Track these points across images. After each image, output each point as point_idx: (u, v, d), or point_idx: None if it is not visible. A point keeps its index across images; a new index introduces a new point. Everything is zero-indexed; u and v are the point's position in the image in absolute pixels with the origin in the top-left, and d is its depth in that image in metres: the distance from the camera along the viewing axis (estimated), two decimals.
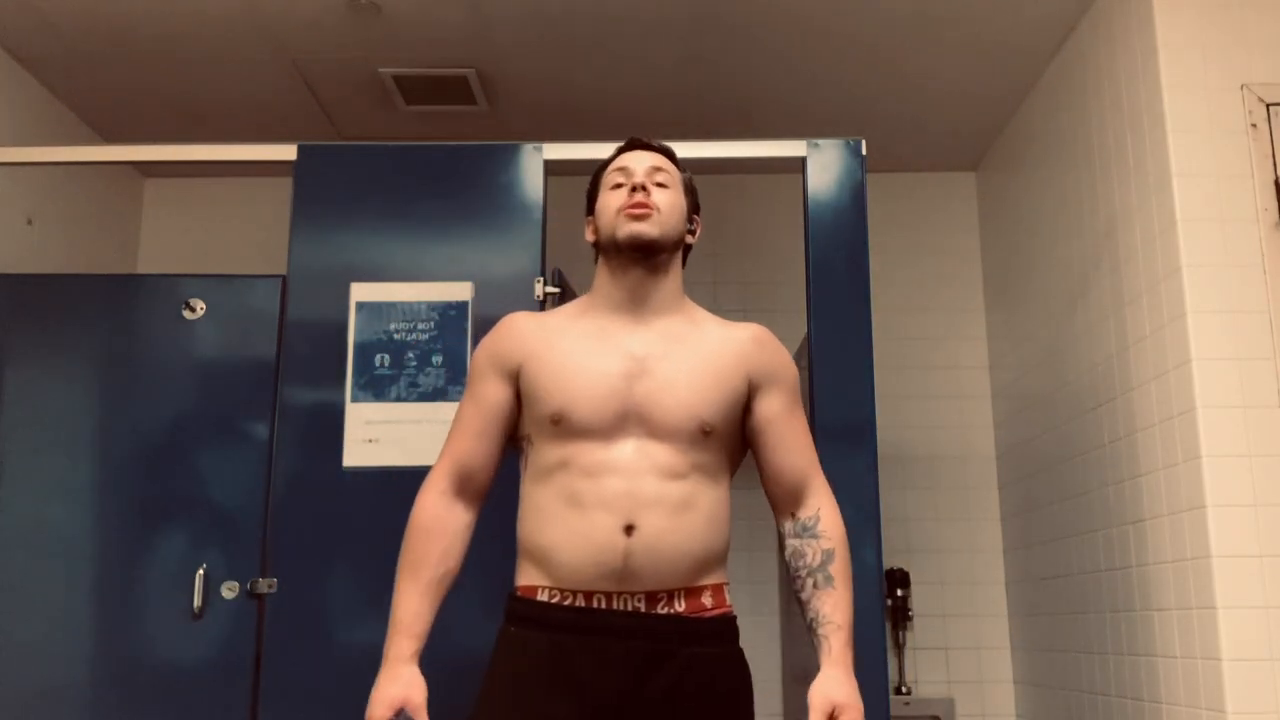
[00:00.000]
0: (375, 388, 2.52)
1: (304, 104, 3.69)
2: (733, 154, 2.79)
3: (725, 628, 1.75)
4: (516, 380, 1.79)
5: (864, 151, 2.64)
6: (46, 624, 2.50)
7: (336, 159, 2.70)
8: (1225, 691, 2.40)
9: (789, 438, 1.81)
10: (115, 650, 2.48)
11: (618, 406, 1.71)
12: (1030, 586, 3.61)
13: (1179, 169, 2.66)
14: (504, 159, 2.66)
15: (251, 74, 3.50)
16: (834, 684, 1.66)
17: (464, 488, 1.78)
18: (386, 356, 2.54)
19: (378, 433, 2.50)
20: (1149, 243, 2.78)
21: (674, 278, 1.84)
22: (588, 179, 1.95)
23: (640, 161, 1.85)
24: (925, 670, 3.80)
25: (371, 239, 2.61)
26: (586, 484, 1.68)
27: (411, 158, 2.68)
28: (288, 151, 2.70)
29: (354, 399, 2.52)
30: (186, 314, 2.65)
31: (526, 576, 1.74)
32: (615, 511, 1.66)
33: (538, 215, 2.62)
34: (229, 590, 2.50)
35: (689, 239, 1.89)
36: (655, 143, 1.92)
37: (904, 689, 3.74)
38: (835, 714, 1.63)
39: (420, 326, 2.55)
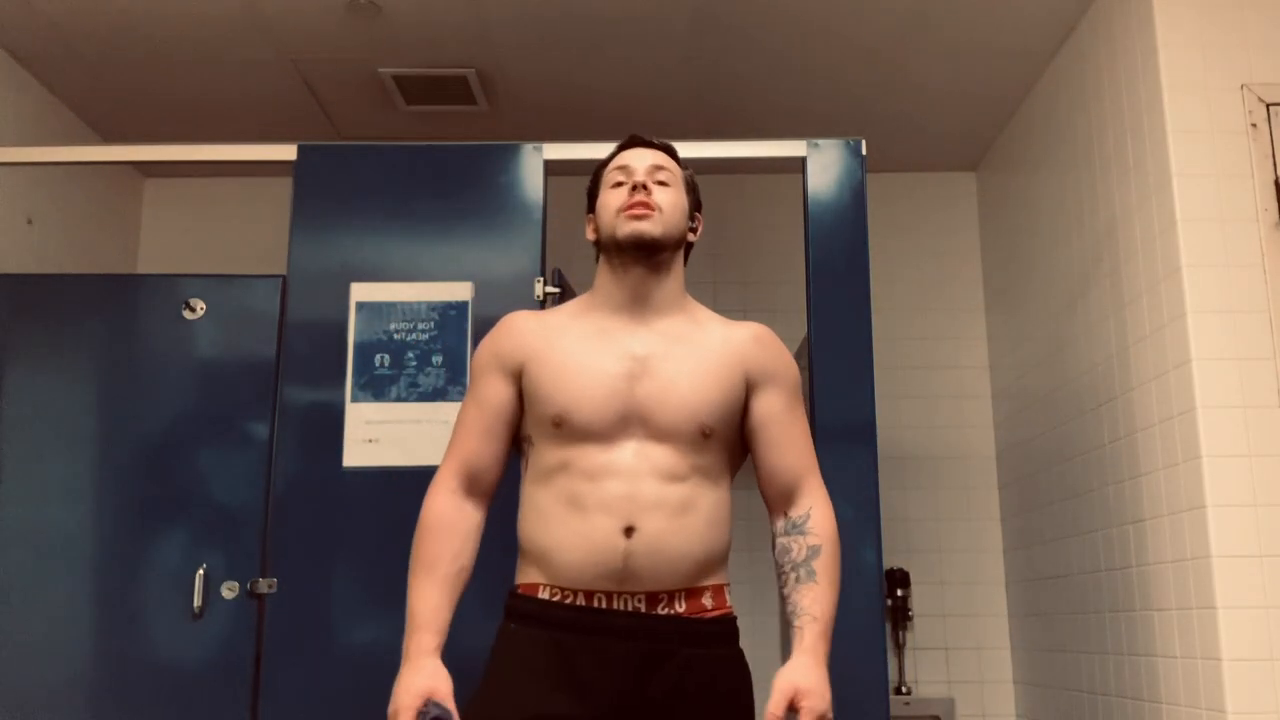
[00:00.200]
0: (375, 388, 2.52)
1: (304, 104, 3.69)
2: (733, 154, 2.79)
3: (725, 628, 1.75)
4: (520, 379, 1.78)
5: (864, 151, 2.64)
6: (46, 624, 2.50)
7: (336, 159, 2.70)
8: (1225, 691, 2.40)
9: (785, 437, 1.80)
10: (115, 650, 2.48)
11: (619, 407, 1.71)
12: (1030, 586, 3.61)
13: (1179, 169, 2.66)
14: (504, 159, 2.66)
15: (251, 74, 3.50)
16: (799, 670, 1.63)
17: (473, 488, 1.77)
18: (386, 356, 2.54)
19: (378, 433, 2.50)
20: (1149, 243, 2.78)
21: (676, 276, 1.83)
22: (588, 179, 1.94)
23: (641, 160, 1.84)
24: (925, 670, 3.80)
25: (371, 239, 2.61)
26: (587, 486, 1.68)
27: (411, 158, 2.68)
28: (288, 151, 2.70)
29: (354, 399, 2.52)
30: (186, 314, 2.65)
31: (527, 575, 1.73)
32: (615, 514, 1.66)
33: (538, 215, 2.62)
34: (229, 590, 2.50)
35: (691, 237, 1.87)
36: (656, 140, 1.90)
37: (904, 689, 3.74)
38: (797, 699, 1.60)
39: (420, 326, 2.55)
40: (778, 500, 1.80)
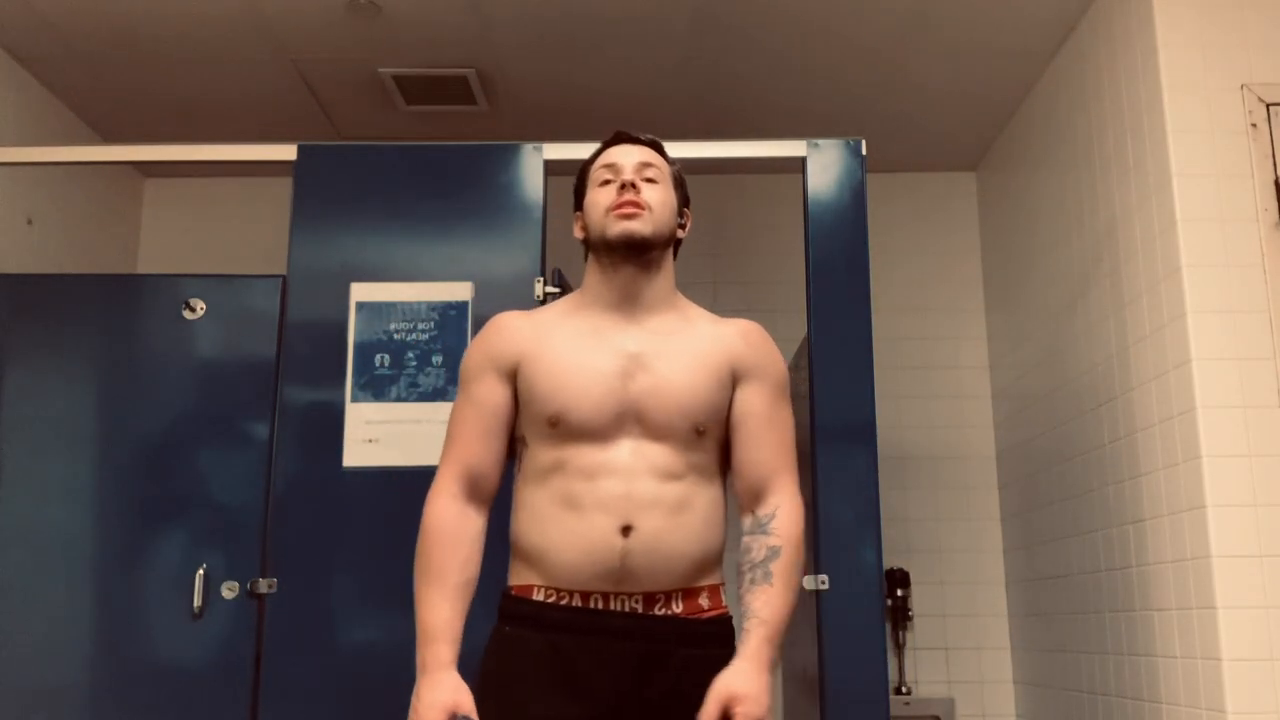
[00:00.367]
0: (375, 388, 2.52)
1: (304, 104, 3.69)
2: (733, 154, 2.79)
3: (722, 629, 1.74)
4: (514, 380, 1.77)
5: (864, 151, 2.64)
6: (46, 624, 2.50)
7: (336, 159, 2.70)
8: (1225, 691, 2.40)
9: (762, 434, 1.76)
10: (115, 650, 2.49)
11: (615, 405, 1.70)
12: (1030, 586, 3.61)
13: (1179, 169, 2.66)
14: (504, 159, 2.66)
15: (251, 74, 3.50)
16: (737, 675, 1.60)
17: (474, 492, 1.74)
18: (386, 356, 2.54)
19: (378, 433, 2.50)
20: (1149, 243, 2.78)
21: (666, 274, 1.81)
22: None
23: (628, 157, 1.81)
24: (925, 670, 3.80)
25: (371, 239, 2.61)
26: (583, 486, 1.67)
27: (411, 158, 2.69)
28: (288, 151, 2.70)
29: (354, 399, 2.52)
30: (186, 314, 2.65)
31: (521, 576, 1.72)
32: (613, 513, 1.65)
33: (538, 215, 2.62)
34: (229, 590, 2.50)
35: (680, 234, 1.85)
36: (643, 136, 1.86)
37: (904, 689, 3.74)
38: (732, 705, 1.57)
39: (420, 326, 2.55)
40: (746, 497, 1.77)
